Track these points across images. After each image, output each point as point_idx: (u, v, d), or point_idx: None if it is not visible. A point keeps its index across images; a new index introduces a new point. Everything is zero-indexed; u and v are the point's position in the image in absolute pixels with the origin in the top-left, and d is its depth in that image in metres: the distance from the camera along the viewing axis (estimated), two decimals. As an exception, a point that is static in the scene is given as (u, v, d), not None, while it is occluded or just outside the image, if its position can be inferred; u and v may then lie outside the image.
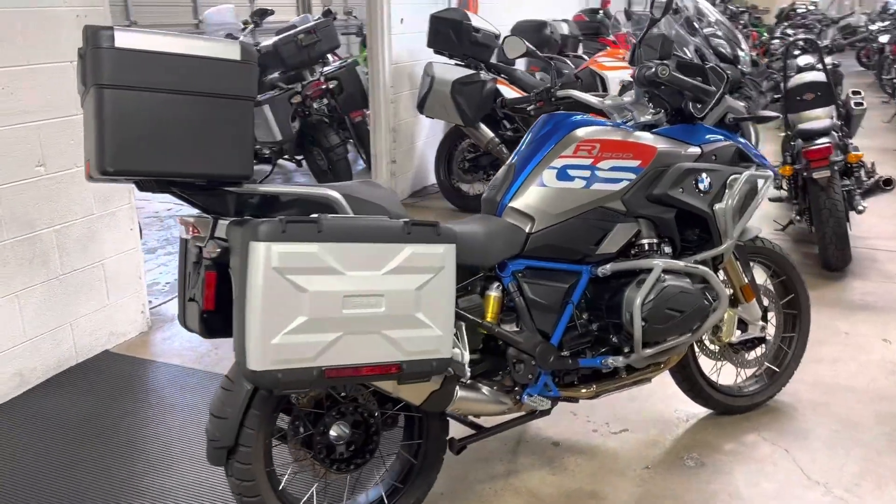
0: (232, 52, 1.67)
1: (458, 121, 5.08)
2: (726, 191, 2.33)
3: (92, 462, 2.55)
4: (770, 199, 4.72)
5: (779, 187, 4.53)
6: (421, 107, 5.21)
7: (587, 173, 2.21)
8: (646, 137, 2.29)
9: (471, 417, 2.31)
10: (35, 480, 2.45)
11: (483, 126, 5.28)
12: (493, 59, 5.51)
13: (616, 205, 2.26)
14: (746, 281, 2.58)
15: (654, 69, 2.23)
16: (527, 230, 2.19)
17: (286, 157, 6.19)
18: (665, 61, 2.28)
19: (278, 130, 5.52)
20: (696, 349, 2.66)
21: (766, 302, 2.73)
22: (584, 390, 2.33)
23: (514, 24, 7.01)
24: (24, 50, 2.87)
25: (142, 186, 1.77)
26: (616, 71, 4.75)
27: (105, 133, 1.56)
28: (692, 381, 2.66)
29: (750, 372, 2.85)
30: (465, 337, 2.09)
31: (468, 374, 2.02)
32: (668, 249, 2.33)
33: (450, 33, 5.34)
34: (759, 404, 2.81)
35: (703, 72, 2.36)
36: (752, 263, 2.73)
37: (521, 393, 2.22)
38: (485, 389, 2.16)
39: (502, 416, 2.24)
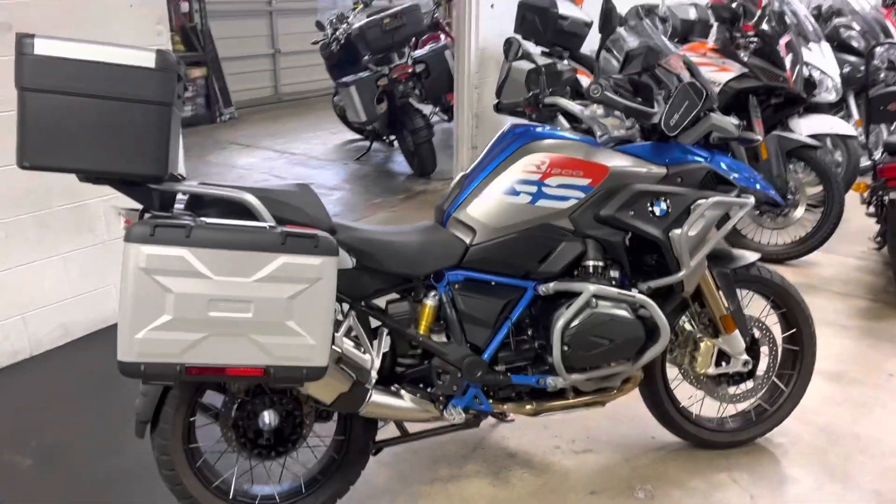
0: (147, 60, 1.79)
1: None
2: (688, 216, 2.19)
3: (122, 408, 2.72)
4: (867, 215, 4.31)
5: (866, 202, 4.11)
6: (499, 94, 5.18)
7: (534, 189, 2.16)
8: (603, 155, 2.19)
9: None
10: (69, 421, 2.79)
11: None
12: (583, 49, 5.36)
13: (563, 223, 2.19)
14: (727, 311, 2.41)
15: (588, 87, 2.12)
16: (467, 242, 2.18)
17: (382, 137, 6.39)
18: (600, 80, 2.15)
19: (363, 111, 5.70)
20: (669, 375, 2.53)
21: (757, 335, 2.54)
22: (521, 407, 2.30)
23: (628, 10, 6.73)
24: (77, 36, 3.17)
25: (79, 178, 1.94)
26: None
27: (24, 131, 1.73)
28: (660, 409, 2.53)
29: (741, 406, 2.66)
30: (384, 343, 2.13)
31: (372, 380, 2.06)
32: (614, 273, 2.23)
33: (536, 20, 5.24)
34: (741, 442, 2.63)
35: (648, 91, 2.23)
36: (750, 293, 2.54)
37: (446, 403, 2.23)
38: (406, 396, 2.18)
39: (429, 422, 2.26)
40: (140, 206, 1.95)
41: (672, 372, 2.53)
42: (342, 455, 2.24)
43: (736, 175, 2.29)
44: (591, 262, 2.21)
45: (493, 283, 2.22)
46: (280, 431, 2.15)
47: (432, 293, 2.18)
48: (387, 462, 2.54)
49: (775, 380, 2.63)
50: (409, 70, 5.64)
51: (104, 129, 1.77)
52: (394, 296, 2.22)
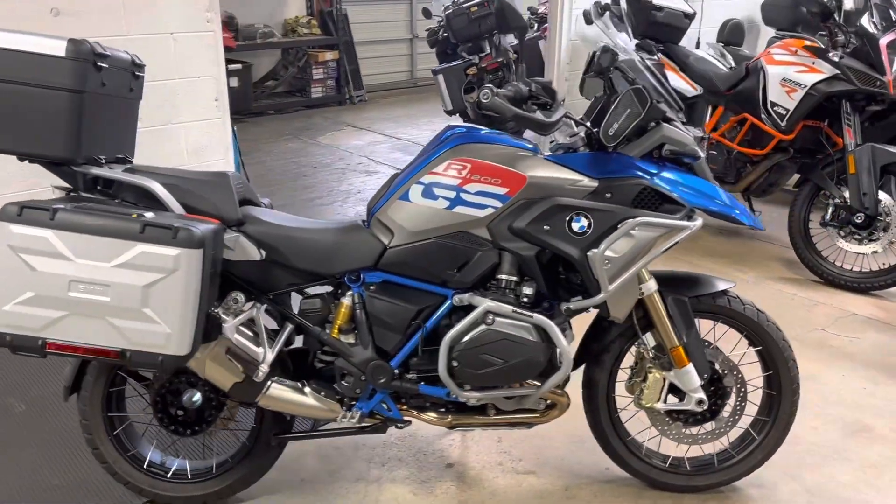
0: (57, 48, 1.91)
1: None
2: (611, 235, 1.99)
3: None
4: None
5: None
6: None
7: (452, 194, 2.06)
8: (527, 163, 2.04)
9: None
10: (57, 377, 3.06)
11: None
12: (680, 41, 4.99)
13: (481, 232, 2.07)
14: (679, 342, 2.17)
15: (479, 92, 1.97)
16: (385, 243, 2.13)
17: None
18: (490, 85, 1.98)
19: (448, 99, 5.68)
20: (617, 403, 2.33)
21: (720, 370, 2.26)
22: (434, 417, 2.22)
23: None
24: (125, 21, 3.42)
25: (18, 158, 2.11)
26: (782, 67, 3.98)
27: None
28: (603, 437, 2.34)
29: (706, 448, 2.39)
30: (284, 337, 2.13)
31: (261, 374, 2.07)
32: (527, 290, 2.08)
33: (628, 11, 4.94)
34: (697, 488, 2.37)
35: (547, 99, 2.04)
36: (714, 324, 2.28)
37: (351, 406, 2.20)
38: (309, 393, 2.18)
39: (336, 422, 2.24)
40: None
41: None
42: (253, 443, 2.28)
43: (687, 193, 2.04)
44: (503, 276, 2.08)
45: (409, 289, 2.15)
46: (200, 411, 2.23)
47: (349, 292, 2.16)
48: (324, 455, 2.56)
49: (747, 426, 2.34)
50: (500, 60, 5.53)
51: (19, 113, 1.91)
52: (317, 291, 2.21)
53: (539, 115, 1.99)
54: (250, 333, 2.10)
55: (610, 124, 2.02)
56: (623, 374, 2.33)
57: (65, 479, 2.43)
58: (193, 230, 1.81)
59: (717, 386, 2.27)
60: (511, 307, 2.02)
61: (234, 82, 7.54)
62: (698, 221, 2.05)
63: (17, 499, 2.34)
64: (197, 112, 3.73)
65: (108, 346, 1.83)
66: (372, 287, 2.15)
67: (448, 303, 2.12)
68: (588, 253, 1.99)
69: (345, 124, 7.84)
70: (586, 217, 2.01)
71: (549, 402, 2.21)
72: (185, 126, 3.72)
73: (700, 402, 2.21)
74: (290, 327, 2.15)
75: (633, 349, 2.30)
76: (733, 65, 4.88)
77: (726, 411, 2.30)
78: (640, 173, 2.03)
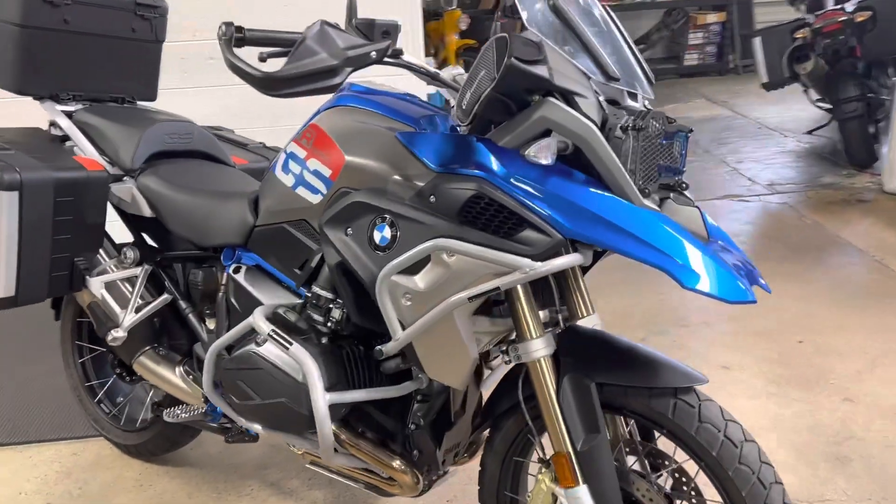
0: None
1: None
2: (410, 255, 1.29)
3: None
4: None
5: None
6: None
7: (298, 169, 1.58)
8: (356, 142, 1.44)
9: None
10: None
11: None
12: None
13: (316, 223, 1.55)
14: (566, 448, 1.33)
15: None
16: (252, 222, 1.76)
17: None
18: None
19: (764, 70, 4.49)
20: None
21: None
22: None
23: None
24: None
25: None
26: None
27: None
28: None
29: None
30: (153, 306, 1.91)
31: (114, 337, 1.88)
32: (336, 313, 1.48)
33: None
34: None
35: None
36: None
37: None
38: (178, 372, 1.93)
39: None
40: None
41: None
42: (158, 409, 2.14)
43: (562, 214, 1.20)
44: (316, 288, 1.53)
45: (274, 281, 1.74)
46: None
47: (223, 272, 1.85)
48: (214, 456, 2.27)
49: None
50: (842, 19, 4.11)
51: None
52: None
53: (252, 64, 1.32)
54: (125, 292, 1.94)
55: (464, 93, 1.29)
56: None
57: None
58: (4, 172, 1.71)
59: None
60: (268, 327, 1.48)
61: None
62: (564, 259, 1.20)
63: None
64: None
65: None
66: (241, 269, 1.79)
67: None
68: (379, 274, 1.34)
69: (700, 96, 6.84)
70: (391, 226, 1.34)
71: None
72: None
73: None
74: (162, 297, 1.93)
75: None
76: None
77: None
78: (480, 172, 1.26)
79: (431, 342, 1.33)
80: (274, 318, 1.53)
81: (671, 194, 1.28)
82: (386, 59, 1.40)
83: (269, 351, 1.50)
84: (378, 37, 1.38)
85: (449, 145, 1.33)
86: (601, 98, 1.24)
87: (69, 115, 2.01)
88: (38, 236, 1.75)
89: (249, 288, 1.70)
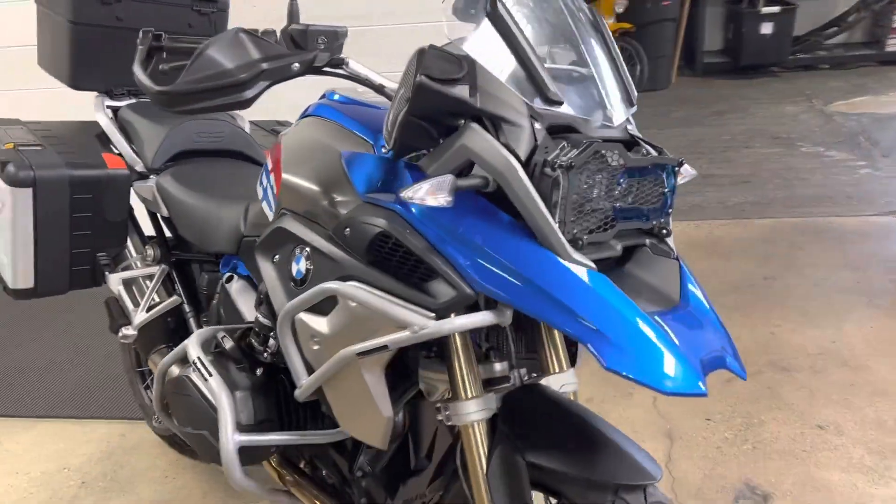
0: None
1: None
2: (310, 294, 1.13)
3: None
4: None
5: None
6: None
7: (266, 182, 1.48)
8: (297, 158, 1.29)
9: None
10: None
11: None
12: None
13: None
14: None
15: None
16: (242, 231, 1.68)
17: None
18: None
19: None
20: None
21: None
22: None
23: None
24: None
25: None
26: None
27: None
28: None
29: None
30: (163, 306, 1.90)
31: (125, 334, 1.89)
32: (273, 344, 1.35)
33: None
34: None
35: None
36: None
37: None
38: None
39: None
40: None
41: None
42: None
43: (477, 266, 0.98)
44: (257, 313, 1.41)
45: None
46: None
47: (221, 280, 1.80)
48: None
49: None
50: None
51: (50, 39, 2.13)
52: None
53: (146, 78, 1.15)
54: (143, 289, 1.95)
55: (389, 112, 1.11)
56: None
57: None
58: (20, 170, 1.75)
59: None
60: (198, 354, 1.38)
61: (768, 28, 6.44)
62: (469, 319, 0.99)
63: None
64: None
65: None
66: (233, 279, 1.72)
67: None
68: (282, 310, 1.19)
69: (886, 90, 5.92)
70: (307, 259, 1.19)
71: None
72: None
73: None
74: (171, 299, 1.91)
75: None
76: None
77: None
78: (396, 205, 1.06)
79: (339, 395, 1.17)
80: (213, 343, 1.44)
81: (647, 241, 1.03)
82: (325, 69, 1.24)
83: (195, 373, 1.42)
84: (312, 45, 1.23)
85: (379, 170, 1.15)
86: (537, 125, 1.00)
87: (116, 110, 2.05)
88: (54, 232, 1.79)
89: (236, 300, 1.63)
